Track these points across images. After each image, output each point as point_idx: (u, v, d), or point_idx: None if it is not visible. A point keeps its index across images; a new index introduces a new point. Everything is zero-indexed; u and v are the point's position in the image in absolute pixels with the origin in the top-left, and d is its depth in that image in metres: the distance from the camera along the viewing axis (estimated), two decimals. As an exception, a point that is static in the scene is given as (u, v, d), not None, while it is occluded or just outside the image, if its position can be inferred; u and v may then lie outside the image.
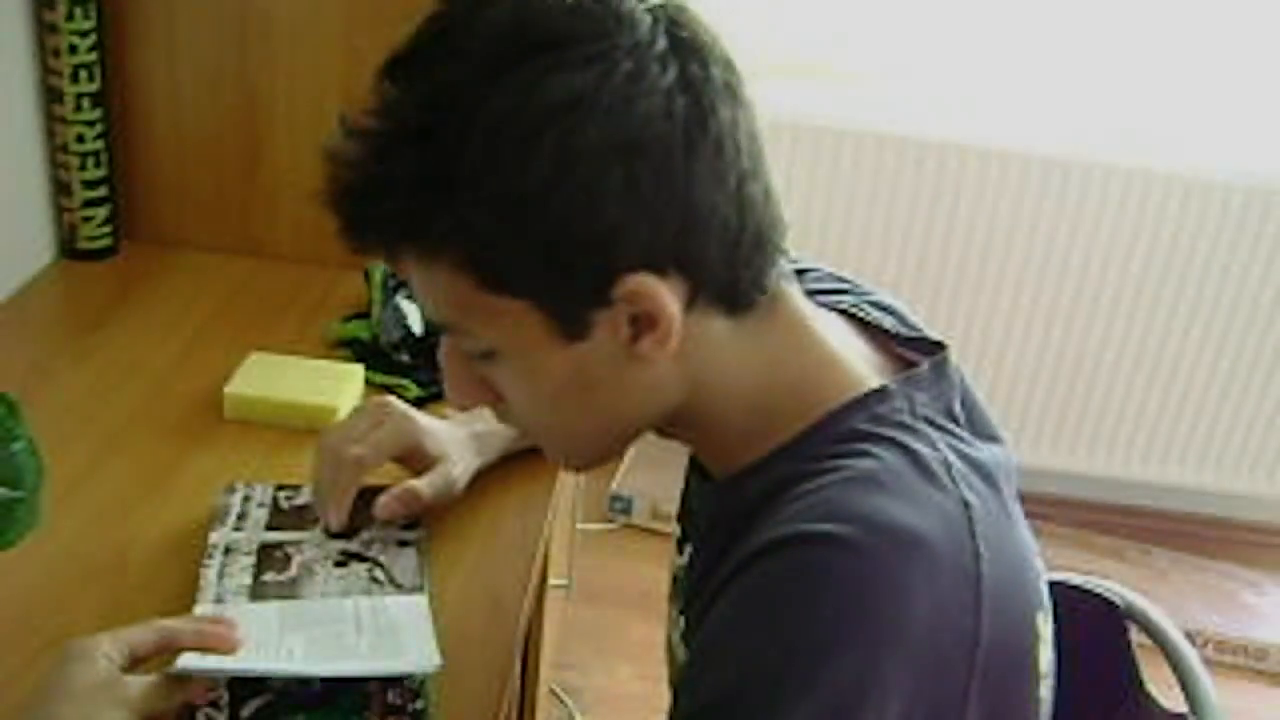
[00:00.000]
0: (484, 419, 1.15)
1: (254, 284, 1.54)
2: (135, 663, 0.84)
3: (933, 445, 0.77)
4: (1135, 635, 1.04)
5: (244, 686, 0.90)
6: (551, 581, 1.65)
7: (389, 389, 1.31)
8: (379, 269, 1.44)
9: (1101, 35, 2.43)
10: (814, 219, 2.49)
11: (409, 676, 0.92)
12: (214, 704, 0.88)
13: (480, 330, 0.77)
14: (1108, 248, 2.51)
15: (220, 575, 1.01)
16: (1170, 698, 0.99)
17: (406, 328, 1.36)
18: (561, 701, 2.23)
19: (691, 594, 0.87)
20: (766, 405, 0.81)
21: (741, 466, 0.82)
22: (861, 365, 0.83)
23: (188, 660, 0.85)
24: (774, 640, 0.69)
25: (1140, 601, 1.05)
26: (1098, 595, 1.06)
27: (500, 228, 0.72)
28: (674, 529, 1.01)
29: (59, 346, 1.38)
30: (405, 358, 1.35)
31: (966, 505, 0.75)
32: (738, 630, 0.72)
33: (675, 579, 0.97)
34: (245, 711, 0.88)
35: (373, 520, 1.07)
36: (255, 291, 1.52)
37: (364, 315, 1.43)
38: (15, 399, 0.86)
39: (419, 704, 0.91)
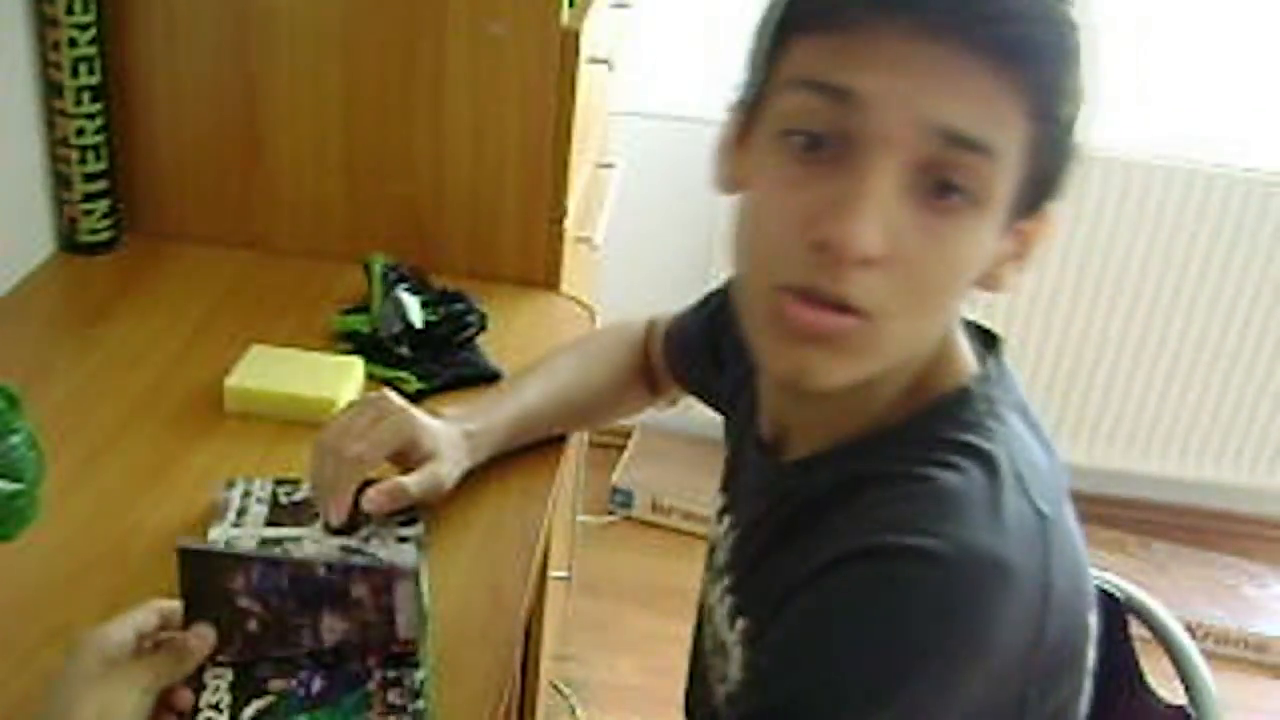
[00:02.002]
0: (476, 418, 1.15)
1: (254, 277, 1.54)
2: (139, 645, 0.84)
3: (1010, 455, 0.79)
4: (1135, 628, 1.04)
5: (245, 690, 0.90)
6: (552, 574, 1.65)
7: (389, 382, 1.31)
8: (379, 262, 1.44)
9: (1112, 29, 2.42)
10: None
11: (410, 657, 0.93)
12: (215, 706, 0.88)
13: (1009, 169, 0.73)
14: (1108, 239, 2.51)
15: (220, 570, 1.01)
16: (1170, 691, 0.99)
17: (406, 321, 1.36)
18: (562, 694, 2.24)
19: (745, 569, 0.89)
20: (907, 383, 0.82)
21: (816, 450, 0.84)
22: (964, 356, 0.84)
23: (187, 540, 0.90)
24: (858, 651, 0.71)
25: (1141, 594, 1.05)
26: (1098, 588, 1.05)
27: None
28: (715, 499, 1.03)
29: (59, 340, 1.38)
30: (405, 350, 1.35)
31: (1041, 516, 0.77)
32: (821, 635, 0.73)
33: (713, 548, 0.99)
34: (247, 712, 0.88)
35: (370, 515, 1.07)
36: (256, 285, 1.52)
37: (364, 309, 1.43)
38: (16, 392, 0.86)
39: (420, 704, 0.91)
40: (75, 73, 1.44)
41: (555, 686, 2.23)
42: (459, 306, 1.41)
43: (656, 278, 2.69)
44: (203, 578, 0.89)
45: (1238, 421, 2.67)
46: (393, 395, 1.10)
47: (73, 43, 1.42)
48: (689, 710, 1.14)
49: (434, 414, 1.13)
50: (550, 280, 1.59)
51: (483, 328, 1.42)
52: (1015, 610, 0.72)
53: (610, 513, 2.72)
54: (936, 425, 0.80)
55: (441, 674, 0.95)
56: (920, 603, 0.71)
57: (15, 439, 0.85)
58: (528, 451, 1.20)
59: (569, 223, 1.58)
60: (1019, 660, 0.73)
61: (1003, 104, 0.71)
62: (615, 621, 2.43)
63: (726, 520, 0.98)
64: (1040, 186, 0.76)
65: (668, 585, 2.54)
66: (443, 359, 1.37)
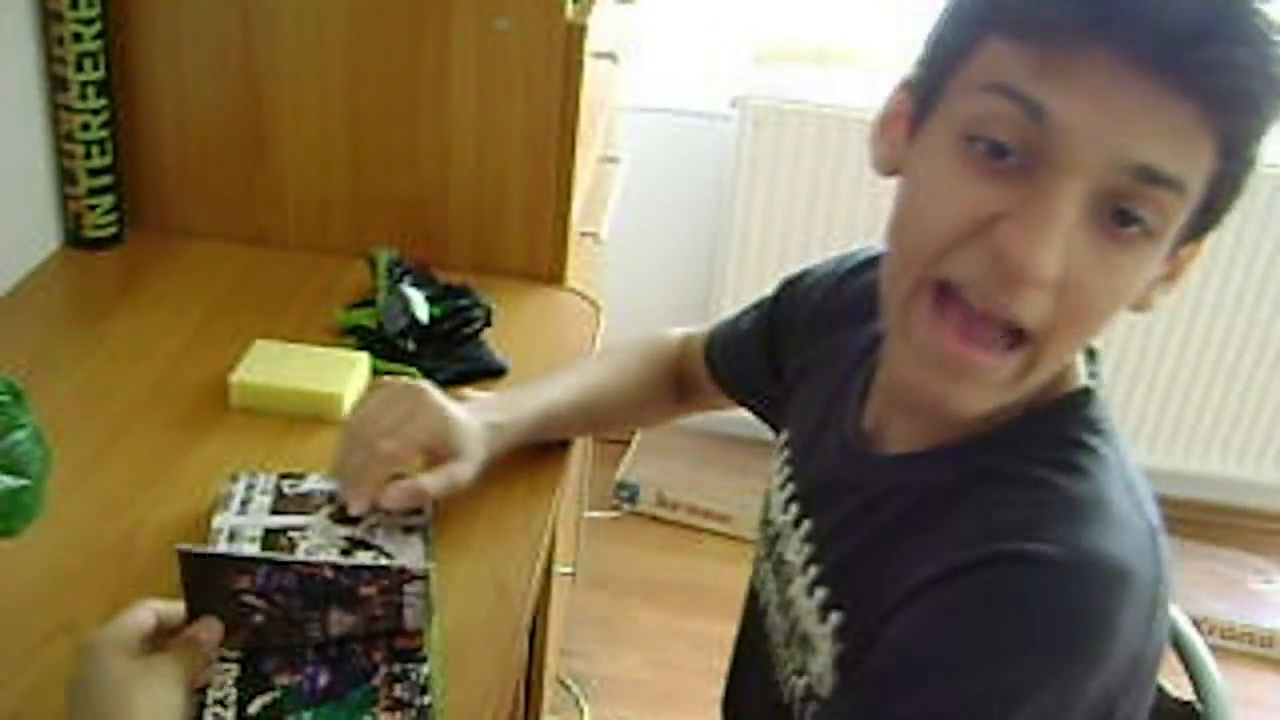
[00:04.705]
0: (501, 410, 1.15)
1: (259, 272, 1.54)
2: (143, 645, 0.84)
3: (1123, 460, 0.80)
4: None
5: (251, 685, 0.90)
6: (557, 569, 1.65)
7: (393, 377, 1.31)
8: (384, 256, 1.44)
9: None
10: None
11: (416, 651, 0.93)
12: (221, 702, 0.88)
13: (1190, 204, 0.73)
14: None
15: (225, 561, 1.01)
16: (1177, 685, 0.99)
17: (411, 315, 1.35)
18: (568, 689, 2.24)
19: (840, 562, 0.89)
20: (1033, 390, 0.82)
21: (934, 442, 0.84)
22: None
23: (185, 546, 0.89)
24: (989, 657, 0.72)
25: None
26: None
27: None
28: (775, 484, 1.03)
29: (64, 335, 1.38)
30: (410, 345, 1.35)
31: (1152, 527, 0.78)
32: (950, 641, 0.74)
33: (775, 536, 1.00)
34: (252, 708, 0.88)
35: (378, 508, 1.07)
36: (260, 280, 1.52)
37: (369, 303, 1.43)
38: (21, 387, 0.86)
39: (426, 698, 0.91)
40: (80, 68, 1.44)
41: (561, 681, 2.23)
42: (464, 301, 1.41)
43: (661, 272, 2.70)
44: (205, 580, 0.89)
45: (1244, 415, 2.66)
46: (429, 388, 1.09)
47: (77, 37, 1.42)
48: (730, 705, 1.14)
49: (458, 398, 1.13)
50: (555, 275, 1.58)
51: (488, 322, 1.41)
52: (1132, 615, 0.73)
53: (616, 507, 2.72)
54: (1061, 421, 0.81)
55: (448, 669, 0.94)
56: (1051, 614, 0.72)
57: (20, 434, 0.85)
58: (534, 446, 1.20)
59: (574, 217, 1.58)
60: (1128, 665, 0.74)
61: (1198, 144, 0.70)
62: (621, 616, 2.44)
63: (794, 510, 0.97)
64: (1210, 217, 0.75)
65: (673, 580, 2.54)
66: (448, 354, 1.37)
